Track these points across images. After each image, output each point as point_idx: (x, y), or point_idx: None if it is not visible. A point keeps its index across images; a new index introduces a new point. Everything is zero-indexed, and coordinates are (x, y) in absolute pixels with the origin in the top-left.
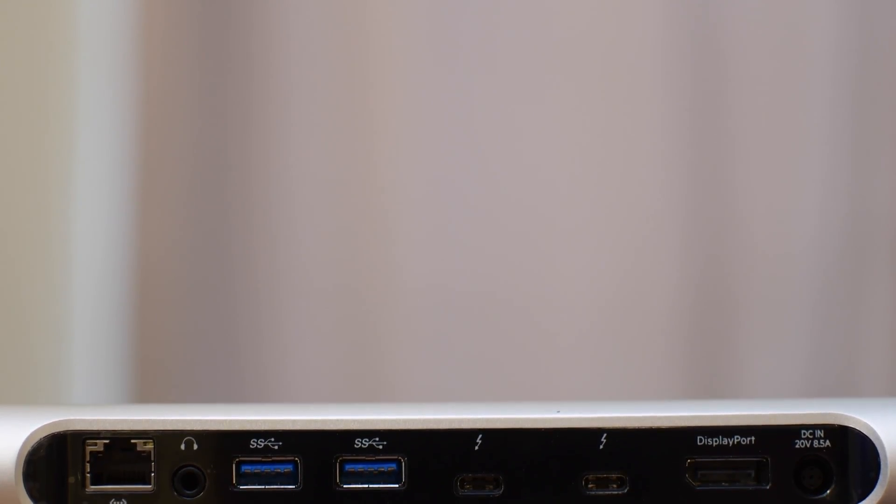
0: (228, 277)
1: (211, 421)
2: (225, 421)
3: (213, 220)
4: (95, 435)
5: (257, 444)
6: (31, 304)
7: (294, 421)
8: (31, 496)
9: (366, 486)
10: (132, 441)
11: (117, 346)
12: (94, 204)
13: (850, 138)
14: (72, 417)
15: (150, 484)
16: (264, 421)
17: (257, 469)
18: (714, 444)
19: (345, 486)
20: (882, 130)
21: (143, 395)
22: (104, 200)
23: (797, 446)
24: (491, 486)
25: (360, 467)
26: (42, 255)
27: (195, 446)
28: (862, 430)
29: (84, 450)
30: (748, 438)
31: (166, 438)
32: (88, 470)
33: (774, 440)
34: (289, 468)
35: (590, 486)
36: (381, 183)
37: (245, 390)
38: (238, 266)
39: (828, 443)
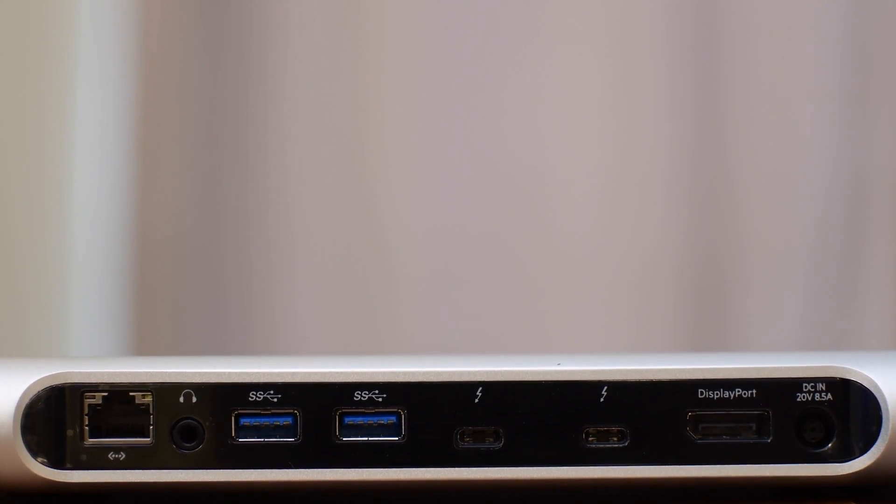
0: (227, 230)
1: (210, 373)
2: (224, 373)
3: (211, 174)
4: (94, 388)
5: (256, 396)
6: (29, 257)
7: (293, 373)
8: (30, 449)
9: (365, 438)
10: (131, 394)
11: (116, 300)
12: (92, 158)
13: (850, 93)
14: (70, 370)
15: (148, 437)
16: (263, 373)
17: (256, 422)
18: (715, 397)
19: (344, 438)
20: (882, 85)
21: (142, 348)
22: (102, 156)
23: (798, 399)
24: (491, 439)
25: (359, 420)
26: (40, 209)
27: (194, 399)
28: (863, 384)
29: (82, 402)
30: (749, 391)
31: (165, 391)
32: (87, 423)
33: (776, 393)
34: (288, 421)
35: (590, 439)
36: (382, 139)
37: (244, 343)
38: (236, 219)
39: (829, 396)
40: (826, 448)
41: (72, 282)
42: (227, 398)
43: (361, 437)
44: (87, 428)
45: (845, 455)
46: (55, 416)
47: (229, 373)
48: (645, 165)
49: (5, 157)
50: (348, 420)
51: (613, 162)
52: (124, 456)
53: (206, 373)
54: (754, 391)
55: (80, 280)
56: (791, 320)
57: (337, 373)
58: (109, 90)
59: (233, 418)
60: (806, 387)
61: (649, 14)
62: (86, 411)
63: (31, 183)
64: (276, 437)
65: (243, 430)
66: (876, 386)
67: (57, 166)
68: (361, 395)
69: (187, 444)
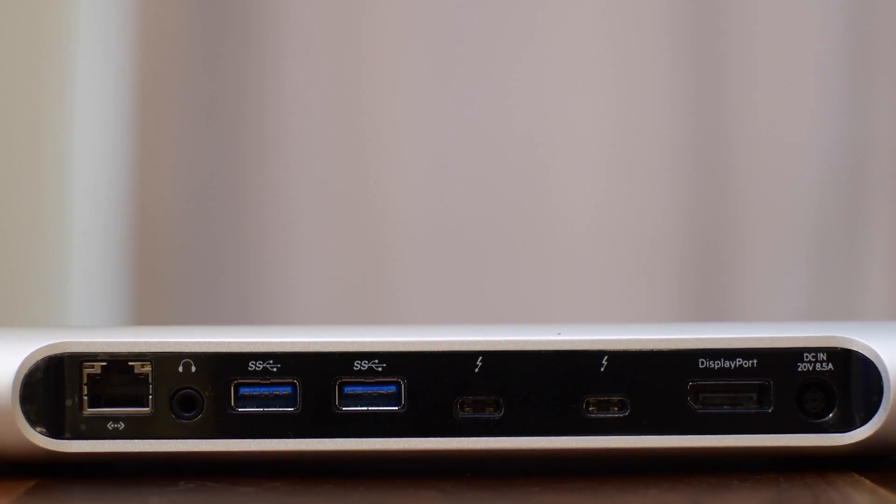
0: (225, 202)
1: (209, 343)
2: (223, 343)
3: (212, 144)
4: (92, 357)
5: (256, 366)
6: (29, 227)
7: (293, 343)
8: (29, 419)
9: (365, 408)
10: (130, 363)
11: (115, 271)
12: (92, 131)
13: (849, 63)
14: (69, 340)
15: (147, 406)
16: (263, 343)
17: (256, 391)
18: (716, 366)
19: (344, 408)
20: (883, 57)
21: (141, 319)
22: (102, 128)
23: (800, 369)
24: (491, 409)
25: (359, 390)
26: (39, 178)
27: (193, 368)
28: (865, 354)
29: (81, 372)
30: (750, 361)
31: (164, 360)
32: (86, 392)
33: (777, 363)
34: (287, 390)
35: (590, 409)
36: (384, 111)
37: (244, 314)
38: (235, 191)
39: (830, 366)
40: (827, 418)
41: (71, 252)
42: (226, 368)
43: (361, 406)
44: (86, 398)
45: (846, 425)
46: (54, 386)
47: (229, 342)
48: (647, 140)
49: (5, 130)
50: (348, 390)
51: (614, 135)
52: (123, 426)
53: (205, 342)
54: (755, 361)
55: (79, 251)
56: (792, 291)
57: (336, 342)
58: (109, 62)
59: (232, 388)
60: (807, 357)
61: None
62: (85, 381)
63: (31, 155)
64: (275, 407)
65: (243, 400)
66: (877, 356)
67: (56, 138)
68: (361, 365)
69: (186, 414)
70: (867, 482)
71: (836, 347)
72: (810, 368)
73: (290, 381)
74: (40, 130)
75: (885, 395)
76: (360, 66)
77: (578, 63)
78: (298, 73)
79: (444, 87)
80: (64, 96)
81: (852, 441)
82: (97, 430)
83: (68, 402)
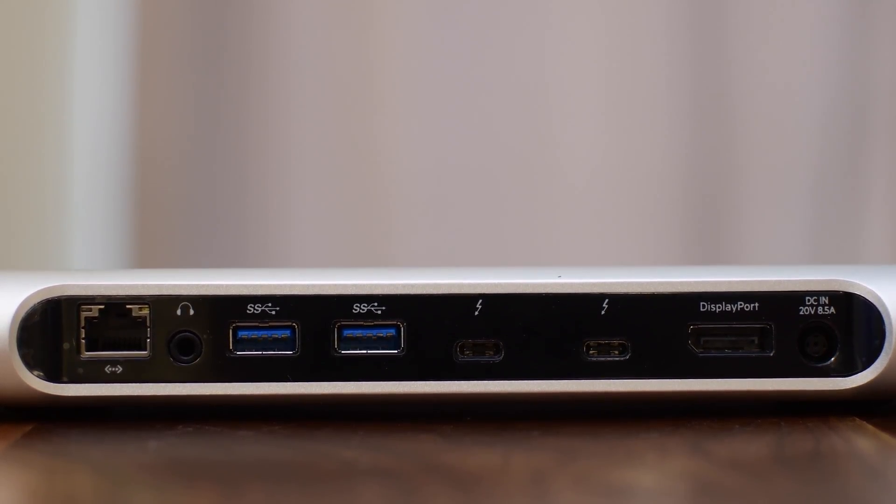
0: (227, 145)
1: (207, 286)
2: (221, 286)
3: (213, 87)
4: (90, 300)
5: (254, 309)
6: (29, 172)
7: (292, 286)
8: (26, 363)
9: (364, 351)
10: (127, 307)
11: (115, 215)
12: (93, 75)
13: (851, 11)
14: (66, 283)
15: (145, 350)
16: (261, 286)
17: (254, 335)
18: (717, 310)
19: (343, 351)
20: (883, 3)
21: (141, 263)
22: (102, 73)
23: (801, 313)
24: (491, 352)
25: (358, 333)
26: (41, 124)
27: (191, 311)
28: (867, 297)
29: (79, 315)
30: (752, 305)
31: (162, 303)
32: (83, 336)
33: (778, 307)
34: (286, 334)
35: (591, 352)
36: (386, 53)
37: (243, 258)
38: (235, 135)
39: (832, 310)
40: (829, 362)
41: (72, 196)
42: (224, 311)
43: (360, 350)
44: (83, 341)
45: (848, 369)
46: (51, 330)
47: (227, 285)
48: (648, 85)
49: (5, 74)
50: (347, 333)
51: (616, 80)
52: (121, 369)
53: (203, 285)
54: (756, 304)
55: (79, 195)
56: (794, 235)
57: (335, 285)
58: (109, 12)
59: (230, 331)
60: (809, 300)
61: None
62: (82, 324)
63: (32, 97)
64: (274, 351)
65: (241, 343)
66: (879, 299)
67: (58, 83)
68: (360, 308)
69: (185, 358)
70: (869, 426)
71: (838, 291)
72: (812, 312)
73: (289, 324)
74: (41, 73)
75: (886, 339)
76: (362, 9)
77: (580, 8)
78: (300, 18)
79: (445, 30)
80: (64, 37)
81: (854, 385)
82: (95, 373)
83: (66, 346)
